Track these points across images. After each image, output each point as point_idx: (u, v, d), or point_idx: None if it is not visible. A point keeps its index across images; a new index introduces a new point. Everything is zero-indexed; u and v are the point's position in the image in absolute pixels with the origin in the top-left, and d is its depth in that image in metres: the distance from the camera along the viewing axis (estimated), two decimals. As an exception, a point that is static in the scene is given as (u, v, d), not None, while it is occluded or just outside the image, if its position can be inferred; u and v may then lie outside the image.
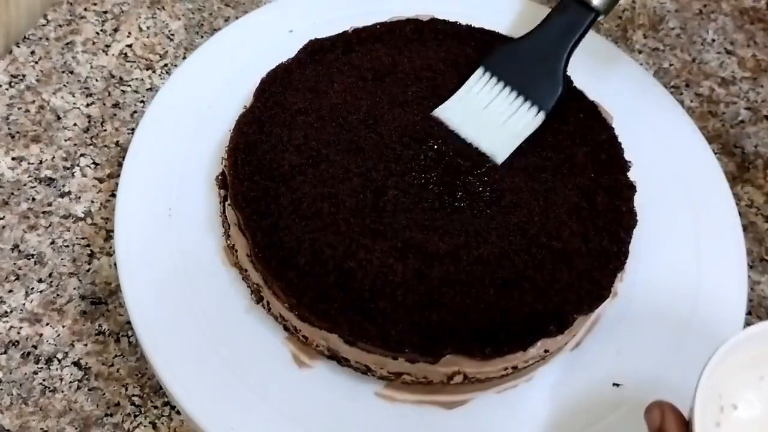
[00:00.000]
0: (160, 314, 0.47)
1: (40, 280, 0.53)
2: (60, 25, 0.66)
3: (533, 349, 0.44)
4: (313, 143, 0.50)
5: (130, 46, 0.65)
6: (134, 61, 0.64)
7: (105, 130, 0.60)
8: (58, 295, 0.52)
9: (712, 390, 0.36)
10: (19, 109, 0.60)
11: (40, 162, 0.58)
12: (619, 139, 0.53)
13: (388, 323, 0.43)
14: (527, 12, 0.62)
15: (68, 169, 0.58)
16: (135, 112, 0.61)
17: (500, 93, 0.53)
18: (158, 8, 0.68)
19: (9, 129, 0.59)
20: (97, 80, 0.63)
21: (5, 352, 0.50)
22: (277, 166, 0.49)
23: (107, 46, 0.65)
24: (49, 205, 0.56)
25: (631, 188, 0.51)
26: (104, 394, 0.49)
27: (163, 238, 0.50)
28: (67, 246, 0.54)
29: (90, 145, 0.59)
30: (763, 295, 0.56)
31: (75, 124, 0.60)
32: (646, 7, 0.73)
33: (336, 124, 0.51)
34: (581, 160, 0.52)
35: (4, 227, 0.55)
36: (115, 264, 0.50)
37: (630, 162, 0.52)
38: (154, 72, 0.64)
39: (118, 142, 0.60)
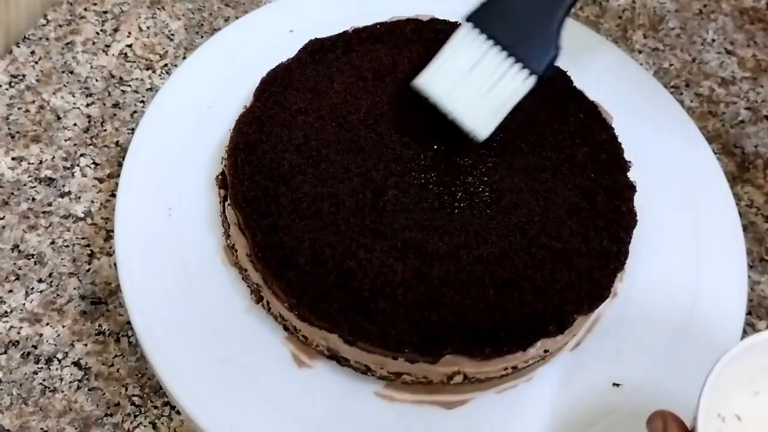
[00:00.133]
0: (160, 314, 0.47)
1: (40, 280, 0.53)
2: (60, 25, 0.66)
3: (533, 349, 0.44)
4: (313, 143, 0.50)
5: (130, 46, 0.65)
6: (134, 61, 0.64)
7: (105, 130, 0.60)
8: (58, 295, 0.52)
9: (714, 399, 0.36)
10: (19, 109, 0.60)
11: (40, 162, 0.58)
12: (619, 139, 0.53)
13: (388, 323, 0.43)
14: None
15: (68, 169, 0.58)
16: (135, 112, 0.61)
17: (488, 52, 0.49)
18: (158, 8, 0.68)
19: (9, 129, 0.59)
20: (97, 80, 0.63)
21: (5, 352, 0.50)
22: (277, 166, 0.49)
23: (107, 46, 0.65)
24: (49, 205, 0.56)
25: (631, 188, 0.51)
26: (104, 394, 0.49)
27: (163, 238, 0.50)
28: (67, 246, 0.54)
29: (90, 145, 0.59)
30: (763, 295, 0.56)
31: (75, 124, 0.60)
32: (646, 7, 0.73)
33: (336, 124, 0.51)
34: (581, 160, 0.52)
35: (4, 227, 0.55)
36: (115, 264, 0.50)
37: (630, 162, 0.52)
38: (154, 72, 0.64)
39: (118, 142, 0.60)
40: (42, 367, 0.49)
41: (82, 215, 0.56)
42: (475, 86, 0.48)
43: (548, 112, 0.54)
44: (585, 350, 0.48)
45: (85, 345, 0.51)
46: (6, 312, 0.51)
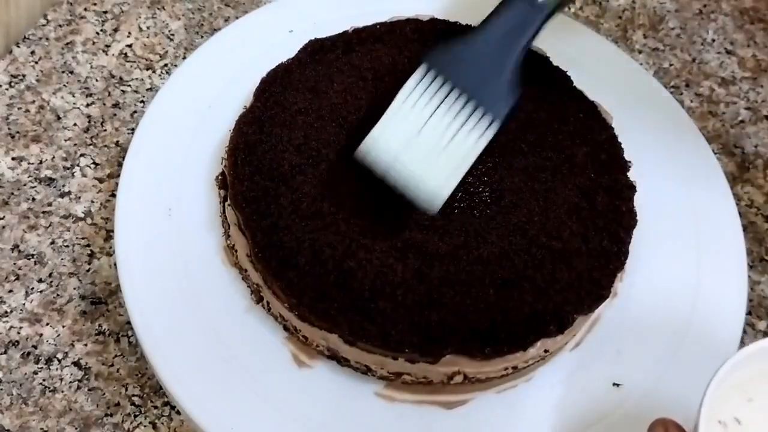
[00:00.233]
0: (160, 314, 0.47)
1: (40, 280, 0.53)
2: (60, 25, 0.66)
3: (533, 349, 0.44)
4: (313, 143, 0.50)
5: (130, 46, 0.65)
6: (134, 61, 0.64)
7: (105, 130, 0.60)
8: (58, 295, 0.52)
9: (713, 406, 0.36)
10: (19, 109, 0.60)
11: (40, 162, 0.58)
12: (619, 139, 0.53)
13: (388, 323, 0.43)
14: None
15: (68, 169, 0.58)
16: (135, 112, 0.61)
17: (445, 98, 0.45)
18: (158, 8, 0.68)
19: (9, 129, 0.59)
20: (97, 80, 0.63)
21: (5, 352, 0.50)
22: (277, 166, 0.49)
23: (107, 46, 0.65)
24: (49, 205, 0.56)
25: (631, 188, 0.51)
26: (104, 394, 0.49)
27: (163, 238, 0.50)
28: (67, 246, 0.54)
29: (90, 145, 0.59)
30: (763, 295, 0.56)
31: (75, 124, 0.60)
32: (646, 7, 0.73)
33: (336, 124, 0.51)
34: (581, 160, 0.52)
35: (4, 227, 0.55)
36: (115, 264, 0.50)
37: (630, 162, 0.52)
38: (154, 72, 0.64)
39: (118, 142, 0.60)
40: (42, 367, 0.49)
41: (82, 215, 0.56)
42: (429, 141, 0.44)
43: (548, 112, 0.54)
44: (585, 350, 0.48)
45: (85, 345, 0.51)
46: (6, 312, 0.51)
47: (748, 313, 0.53)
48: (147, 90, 0.63)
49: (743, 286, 0.51)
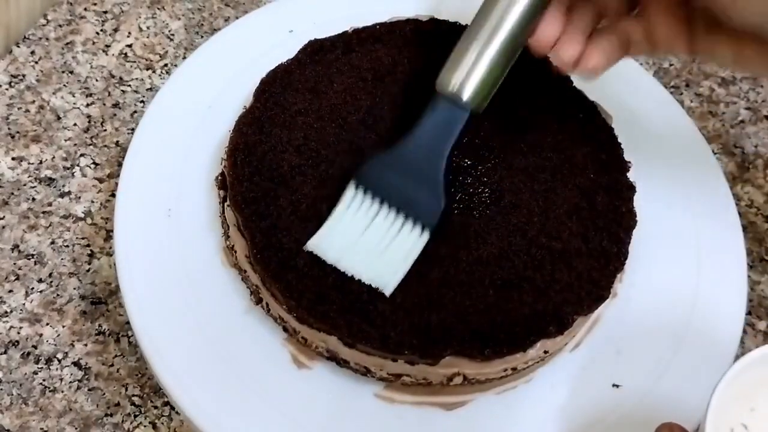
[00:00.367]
0: (160, 315, 0.47)
1: (40, 280, 0.53)
2: (60, 25, 0.66)
3: (533, 350, 0.44)
4: (312, 144, 0.50)
5: (130, 46, 0.65)
6: (134, 61, 0.64)
7: (105, 130, 0.60)
8: (58, 295, 0.52)
9: (720, 413, 0.36)
10: (19, 109, 0.60)
11: (40, 162, 0.58)
12: (619, 140, 0.53)
13: (387, 325, 0.43)
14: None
15: (68, 169, 0.58)
16: (135, 112, 0.62)
17: (378, 213, 0.46)
18: (158, 8, 0.68)
19: (9, 129, 0.59)
20: (97, 80, 0.63)
21: (5, 352, 0.50)
22: (276, 167, 0.49)
23: (107, 46, 0.65)
24: (49, 205, 0.56)
25: (631, 188, 0.51)
26: (104, 394, 0.49)
27: (163, 239, 0.50)
28: (67, 246, 0.54)
29: (90, 145, 0.59)
30: (763, 295, 0.56)
31: (75, 124, 0.60)
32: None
33: (336, 125, 0.51)
34: (581, 161, 0.51)
35: (4, 227, 0.55)
36: (114, 264, 0.50)
37: (630, 162, 0.52)
38: (154, 72, 0.64)
39: (118, 142, 0.60)
40: (42, 367, 0.49)
41: (82, 215, 0.56)
42: (369, 247, 0.45)
43: (548, 112, 0.54)
44: (585, 351, 0.48)
45: (85, 345, 0.51)
46: (6, 312, 0.51)
47: (748, 313, 0.53)
48: (147, 90, 0.63)
49: (743, 286, 0.51)
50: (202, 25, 0.68)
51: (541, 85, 0.55)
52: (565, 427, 0.45)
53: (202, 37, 0.67)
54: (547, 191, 0.50)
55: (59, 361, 0.50)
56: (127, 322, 0.51)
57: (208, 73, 0.58)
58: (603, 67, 0.46)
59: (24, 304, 0.52)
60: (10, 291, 0.52)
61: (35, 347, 0.50)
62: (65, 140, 0.59)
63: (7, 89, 0.61)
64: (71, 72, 0.63)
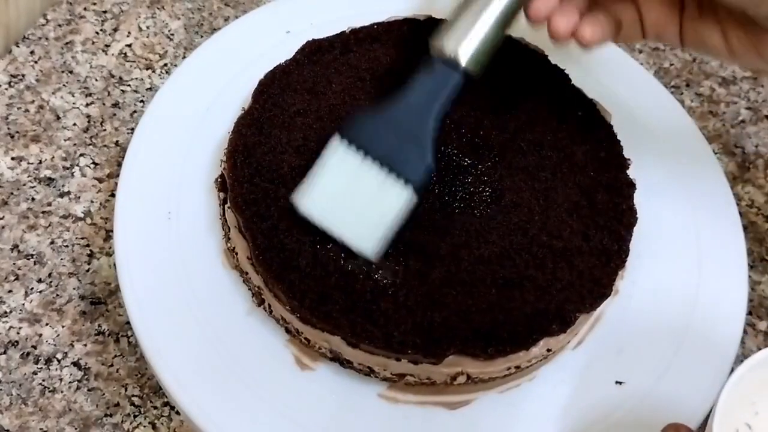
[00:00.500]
0: (161, 318, 0.47)
1: (39, 280, 0.53)
2: (59, 25, 0.66)
3: (536, 348, 0.44)
4: (312, 144, 0.50)
5: (129, 45, 0.65)
6: (134, 61, 0.64)
7: (105, 130, 0.60)
8: (57, 295, 0.52)
9: (729, 411, 0.36)
10: (18, 108, 0.60)
11: (40, 162, 0.58)
12: (620, 140, 0.53)
13: (390, 324, 0.43)
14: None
15: (68, 169, 0.58)
16: (135, 111, 0.61)
17: (362, 165, 0.45)
18: (158, 8, 0.68)
19: (8, 129, 0.59)
20: (96, 80, 0.63)
21: (5, 353, 0.50)
22: (276, 168, 0.49)
23: (107, 45, 0.65)
24: (49, 205, 0.56)
25: (631, 186, 0.51)
26: (104, 394, 0.49)
27: (163, 241, 0.50)
28: (67, 246, 0.54)
29: (90, 145, 0.59)
30: (763, 295, 0.56)
31: (74, 124, 0.60)
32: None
33: (335, 125, 0.51)
34: (581, 159, 0.51)
35: (3, 227, 0.55)
36: (114, 264, 0.49)
37: (629, 160, 0.52)
38: (153, 72, 0.64)
39: (117, 141, 0.60)
40: (41, 368, 0.49)
41: (82, 215, 0.56)
42: (354, 202, 0.45)
43: (547, 110, 0.54)
44: (587, 349, 0.48)
45: (85, 345, 0.51)
46: (5, 312, 0.51)
47: (749, 313, 0.53)
48: (147, 90, 0.63)
49: (744, 286, 0.51)
50: (202, 24, 0.68)
51: (541, 83, 0.55)
52: (568, 425, 0.45)
53: (201, 36, 0.67)
54: (548, 189, 0.50)
55: (59, 361, 0.50)
56: (127, 322, 0.51)
57: (208, 73, 0.58)
58: (599, 40, 0.46)
59: (23, 304, 0.52)
60: (10, 291, 0.52)
61: (35, 347, 0.50)
62: (65, 140, 0.59)
63: (6, 89, 0.61)
64: (71, 72, 0.63)
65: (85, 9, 0.67)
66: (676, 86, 0.67)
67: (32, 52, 0.64)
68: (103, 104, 0.62)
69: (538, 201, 0.49)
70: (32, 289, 0.52)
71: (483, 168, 0.50)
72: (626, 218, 0.49)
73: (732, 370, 0.40)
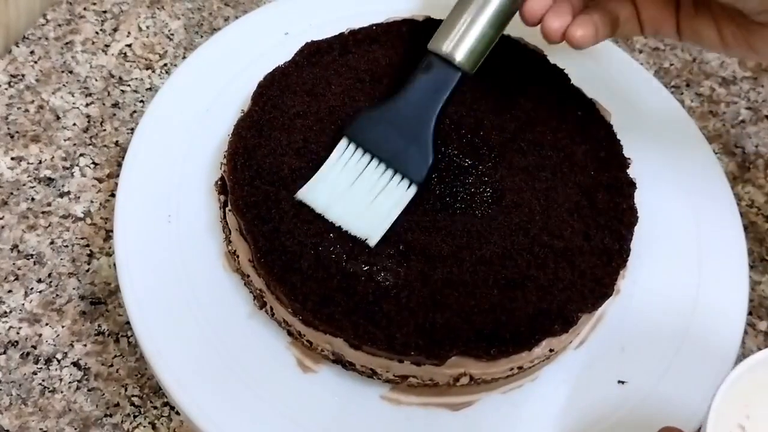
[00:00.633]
0: (161, 318, 0.46)
1: (39, 280, 0.53)
2: (59, 25, 0.66)
3: (538, 348, 0.44)
4: (312, 146, 0.50)
5: (129, 45, 0.65)
6: (134, 61, 0.64)
7: (104, 130, 0.60)
8: (57, 295, 0.52)
9: (722, 414, 0.36)
10: (18, 108, 0.60)
11: (40, 162, 0.58)
12: (620, 140, 0.53)
13: (392, 326, 0.43)
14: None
15: (68, 169, 0.58)
16: (134, 111, 0.61)
17: (367, 166, 0.48)
18: (158, 8, 0.68)
19: (8, 129, 0.59)
20: (96, 80, 0.63)
21: (4, 353, 0.50)
22: (277, 170, 0.48)
23: (107, 45, 0.65)
24: (49, 205, 0.56)
25: (631, 185, 0.51)
26: (104, 394, 0.49)
27: (163, 241, 0.50)
28: (67, 246, 0.54)
29: (89, 145, 0.59)
30: (763, 295, 0.56)
31: (74, 124, 0.60)
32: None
33: (335, 127, 0.51)
34: (581, 159, 0.51)
35: (3, 227, 0.54)
36: (114, 264, 0.49)
37: (629, 159, 0.52)
38: (153, 72, 0.64)
39: (117, 141, 0.60)
40: (41, 368, 0.49)
41: (82, 215, 0.56)
42: (357, 199, 0.47)
43: (547, 110, 0.54)
44: (589, 348, 0.48)
45: (85, 345, 0.50)
46: (5, 312, 0.51)
47: (749, 313, 0.53)
48: (146, 90, 0.63)
49: (744, 286, 0.51)
50: (202, 24, 0.67)
51: (541, 84, 0.55)
52: (570, 425, 0.45)
53: (201, 36, 0.67)
54: (548, 189, 0.50)
55: (59, 361, 0.50)
56: (127, 322, 0.51)
57: (207, 73, 0.58)
58: (589, 41, 0.47)
59: (23, 304, 0.52)
60: (10, 291, 0.52)
61: (34, 347, 0.50)
62: (64, 140, 0.59)
63: (6, 89, 0.61)
64: (71, 72, 0.63)
65: (85, 9, 0.67)
66: (676, 86, 0.67)
67: (32, 52, 0.64)
68: (103, 104, 0.61)
69: (538, 201, 0.49)
70: (32, 289, 0.52)
71: (483, 168, 0.50)
72: (627, 218, 0.49)
73: (731, 370, 0.40)
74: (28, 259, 0.53)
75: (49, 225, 0.55)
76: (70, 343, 0.50)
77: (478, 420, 0.45)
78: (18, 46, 0.64)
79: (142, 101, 0.62)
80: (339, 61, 0.55)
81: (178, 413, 0.48)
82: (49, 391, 0.49)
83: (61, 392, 0.49)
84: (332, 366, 0.46)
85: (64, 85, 0.62)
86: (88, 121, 0.60)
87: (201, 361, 0.45)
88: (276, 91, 0.52)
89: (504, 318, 0.44)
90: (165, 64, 0.64)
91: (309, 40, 0.55)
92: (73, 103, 0.61)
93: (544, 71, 0.56)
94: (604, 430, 0.45)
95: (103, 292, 0.53)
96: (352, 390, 0.46)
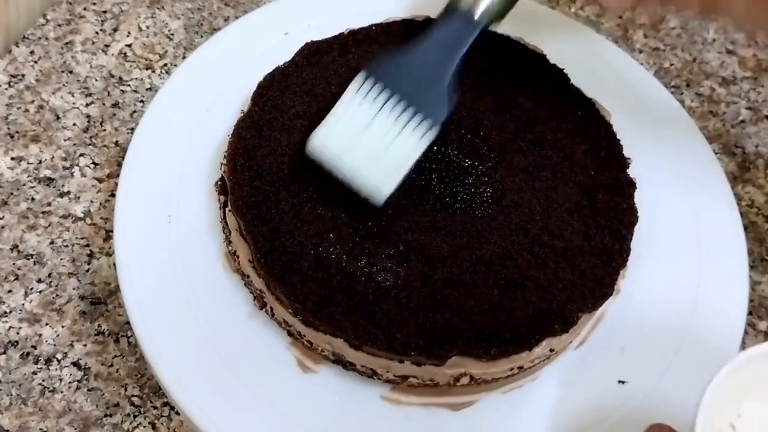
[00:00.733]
0: (161, 318, 0.46)
1: (39, 280, 0.53)
2: (59, 25, 0.66)
3: (539, 348, 0.44)
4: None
5: (129, 45, 0.65)
6: (134, 61, 0.64)
7: (104, 130, 0.60)
8: (57, 295, 0.52)
9: (712, 412, 0.36)
10: (18, 108, 0.60)
11: (40, 162, 0.58)
12: (620, 140, 0.53)
13: (393, 326, 0.43)
14: (523, 12, 0.62)
15: (67, 169, 0.58)
16: (134, 111, 0.61)
17: (386, 103, 0.46)
18: (158, 8, 0.68)
19: (8, 129, 0.59)
20: (96, 80, 0.63)
21: (4, 353, 0.50)
22: (276, 171, 0.48)
23: (107, 45, 0.65)
24: (49, 205, 0.56)
25: (631, 185, 0.51)
26: (103, 394, 0.49)
27: (163, 241, 0.50)
28: (67, 246, 0.54)
29: (89, 144, 0.59)
30: (763, 295, 0.56)
31: (74, 124, 0.60)
32: (647, 7, 0.73)
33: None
34: (580, 158, 0.52)
35: (3, 227, 0.54)
36: (114, 264, 0.49)
37: (629, 159, 0.52)
38: (153, 72, 0.64)
39: (117, 141, 0.60)
40: (41, 368, 0.49)
41: (82, 215, 0.56)
42: (373, 142, 0.46)
43: (546, 110, 0.54)
44: (589, 348, 0.48)
45: (85, 345, 0.50)
46: (5, 312, 0.51)
47: (749, 313, 0.53)
48: (146, 90, 0.63)
49: (744, 286, 0.51)
50: (202, 24, 0.67)
51: (540, 84, 0.55)
52: (571, 424, 0.45)
53: (201, 36, 0.67)
54: (548, 189, 0.50)
55: (59, 361, 0.50)
56: (127, 322, 0.51)
57: (207, 73, 0.58)
58: (619, 6, 0.49)
59: (23, 304, 0.52)
60: (10, 291, 0.52)
61: (34, 347, 0.50)
62: (64, 140, 0.59)
63: (6, 89, 0.61)
64: (70, 72, 0.63)
65: (85, 9, 0.67)
66: (676, 86, 0.67)
67: (32, 52, 0.64)
68: (103, 104, 0.61)
69: (538, 201, 0.49)
70: (32, 289, 0.52)
71: (483, 168, 0.50)
72: (627, 217, 0.49)
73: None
74: (28, 259, 0.53)
75: (49, 225, 0.55)
76: (70, 343, 0.50)
77: (479, 420, 0.45)
78: (18, 46, 0.64)
79: (142, 101, 0.62)
80: (339, 62, 0.55)
81: (178, 413, 0.48)
82: (49, 391, 0.49)
83: (61, 392, 0.49)
84: (332, 366, 0.46)
85: (64, 85, 0.62)
86: (88, 121, 0.60)
87: (201, 361, 0.45)
88: (276, 92, 0.52)
89: (504, 318, 0.44)
90: (165, 64, 0.64)
91: (309, 41, 0.55)
92: (73, 103, 0.61)
93: (544, 71, 0.56)
94: (604, 430, 0.45)
95: (103, 292, 0.53)
96: (352, 390, 0.46)
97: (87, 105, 0.61)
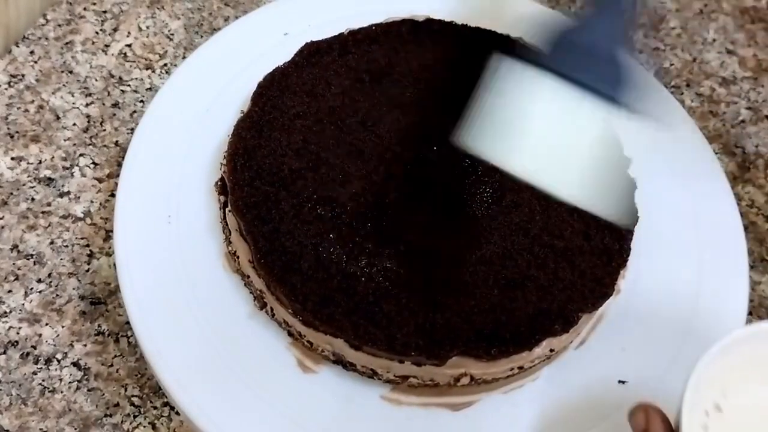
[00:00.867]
0: (161, 318, 0.46)
1: (39, 281, 0.53)
2: (59, 25, 0.66)
3: (539, 348, 0.44)
4: (312, 147, 0.50)
5: (129, 45, 0.65)
6: (134, 61, 0.64)
7: (104, 130, 0.60)
8: (57, 295, 0.52)
9: (698, 393, 0.36)
10: (18, 108, 0.60)
11: (40, 162, 0.58)
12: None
13: (393, 326, 0.43)
14: (523, 12, 0.62)
15: (67, 169, 0.58)
16: (134, 111, 0.61)
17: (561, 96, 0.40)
18: (158, 8, 0.68)
19: (8, 129, 0.59)
20: (96, 80, 0.63)
21: (4, 353, 0.50)
22: (276, 171, 0.49)
23: (107, 45, 0.65)
24: (49, 205, 0.56)
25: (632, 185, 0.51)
26: (103, 394, 0.49)
27: (163, 242, 0.50)
28: (67, 246, 0.54)
29: (89, 145, 0.59)
30: (763, 295, 0.56)
31: (74, 124, 0.60)
32: (647, 7, 0.73)
33: (334, 127, 0.51)
34: (580, 157, 0.51)
35: (3, 227, 0.54)
36: (114, 264, 0.49)
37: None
38: (153, 72, 0.64)
39: (117, 141, 0.60)
40: (41, 368, 0.49)
41: (82, 215, 0.56)
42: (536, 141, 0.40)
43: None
44: (590, 348, 0.48)
45: (85, 345, 0.50)
46: (5, 312, 0.51)
47: (749, 313, 0.53)
48: (146, 90, 0.63)
49: (744, 285, 0.51)
50: (202, 24, 0.67)
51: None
52: (572, 425, 0.45)
53: (201, 36, 0.67)
54: (548, 189, 0.50)
55: (58, 361, 0.50)
56: (127, 322, 0.51)
57: (208, 73, 0.58)
58: None
59: (23, 304, 0.52)
60: (10, 291, 0.52)
61: (34, 347, 0.50)
62: (64, 140, 0.59)
63: (6, 89, 0.61)
64: (70, 72, 0.63)
65: (85, 9, 0.67)
66: (676, 86, 0.67)
67: (32, 52, 0.64)
68: (103, 104, 0.61)
69: (538, 201, 0.49)
70: (32, 289, 0.52)
71: (484, 168, 0.50)
72: (627, 217, 0.49)
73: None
74: (28, 259, 0.53)
75: (49, 225, 0.55)
76: (70, 343, 0.50)
77: (479, 420, 0.45)
78: (18, 46, 0.64)
79: (142, 101, 0.62)
80: (339, 62, 0.55)
81: (178, 413, 0.48)
82: (49, 391, 0.49)
83: (61, 392, 0.49)
84: (332, 366, 0.46)
85: (64, 85, 0.62)
86: (88, 121, 0.60)
87: (201, 361, 0.45)
88: (276, 92, 0.52)
89: (504, 318, 0.44)
90: (165, 64, 0.64)
91: (308, 41, 0.55)
92: (73, 103, 0.61)
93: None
94: (604, 430, 0.45)
95: (103, 292, 0.53)
96: (352, 390, 0.46)
97: (87, 105, 0.61)
